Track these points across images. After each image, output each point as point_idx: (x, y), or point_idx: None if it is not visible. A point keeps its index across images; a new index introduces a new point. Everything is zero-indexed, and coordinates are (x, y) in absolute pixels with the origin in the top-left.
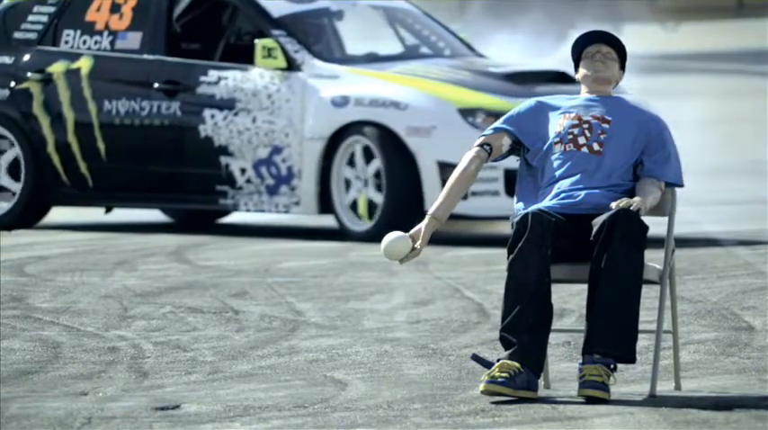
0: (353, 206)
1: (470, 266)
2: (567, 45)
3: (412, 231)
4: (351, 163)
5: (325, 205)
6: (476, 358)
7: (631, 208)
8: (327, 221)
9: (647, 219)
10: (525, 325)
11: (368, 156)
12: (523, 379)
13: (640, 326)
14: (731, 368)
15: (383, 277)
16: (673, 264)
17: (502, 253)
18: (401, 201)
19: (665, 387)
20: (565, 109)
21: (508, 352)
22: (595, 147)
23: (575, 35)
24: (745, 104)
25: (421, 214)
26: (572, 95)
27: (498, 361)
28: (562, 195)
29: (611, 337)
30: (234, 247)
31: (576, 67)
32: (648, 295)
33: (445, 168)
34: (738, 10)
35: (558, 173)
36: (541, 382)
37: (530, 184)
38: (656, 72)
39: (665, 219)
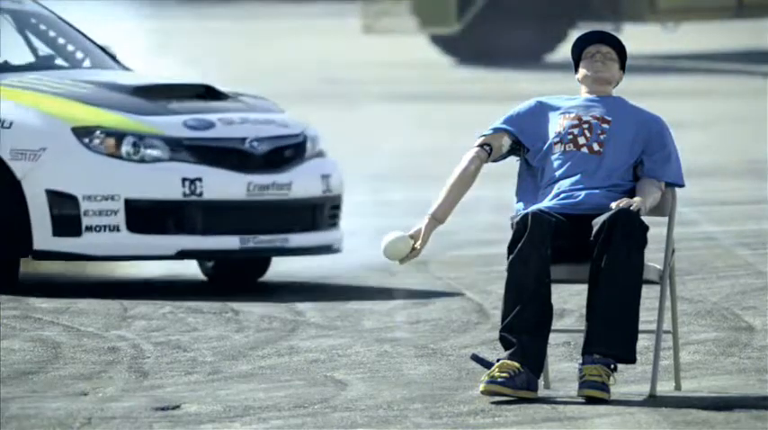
0: None
1: (470, 266)
2: (567, 45)
3: (412, 231)
4: None
5: None
6: (476, 358)
7: (631, 208)
8: None
9: (647, 219)
10: (525, 325)
11: None
12: (523, 379)
13: (640, 326)
14: (731, 368)
15: (383, 277)
16: (673, 264)
17: (502, 253)
18: (4, 236)
19: (665, 387)
20: (565, 109)
21: (508, 352)
22: (595, 147)
23: (575, 35)
24: (745, 104)
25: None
26: (572, 95)
27: (498, 361)
28: (562, 195)
29: (611, 337)
30: None
31: (576, 68)
32: (648, 295)
33: (56, 197)
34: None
35: (557, 173)
36: (541, 382)
37: (530, 184)
38: (656, 72)
39: (665, 219)
